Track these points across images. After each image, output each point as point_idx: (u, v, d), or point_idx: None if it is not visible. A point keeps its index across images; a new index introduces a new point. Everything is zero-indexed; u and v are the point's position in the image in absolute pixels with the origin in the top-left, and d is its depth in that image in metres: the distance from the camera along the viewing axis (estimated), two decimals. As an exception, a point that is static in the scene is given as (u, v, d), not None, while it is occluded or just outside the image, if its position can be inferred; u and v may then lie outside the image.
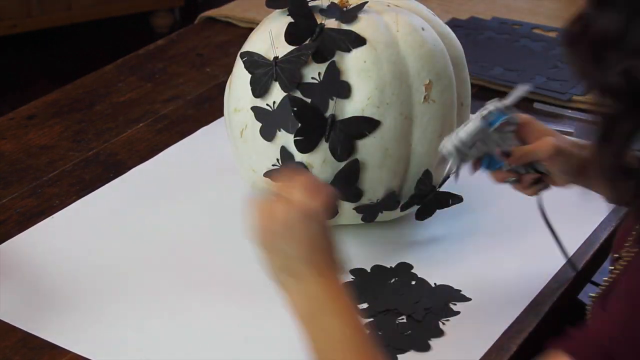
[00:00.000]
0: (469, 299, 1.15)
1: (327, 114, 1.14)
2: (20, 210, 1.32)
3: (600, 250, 1.24)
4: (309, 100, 1.14)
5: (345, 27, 1.16)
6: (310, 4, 1.19)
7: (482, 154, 1.13)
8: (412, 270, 1.19)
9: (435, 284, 1.17)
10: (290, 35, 1.16)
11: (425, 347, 1.08)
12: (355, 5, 1.19)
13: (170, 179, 1.40)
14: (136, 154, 1.45)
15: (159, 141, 1.49)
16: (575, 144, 1.13)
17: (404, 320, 1.11)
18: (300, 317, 0.94)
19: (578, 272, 1.19)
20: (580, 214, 1.27)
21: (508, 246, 1.24)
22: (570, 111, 1.57)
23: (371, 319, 1.11)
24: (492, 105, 1.12)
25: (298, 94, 1.14)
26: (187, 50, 1.79)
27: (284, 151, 1.16)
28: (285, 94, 1.15)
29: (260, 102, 1.17)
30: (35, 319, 1.12)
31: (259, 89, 1.16)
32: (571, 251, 1.22)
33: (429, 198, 1.22)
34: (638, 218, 0.93)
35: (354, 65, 1.14)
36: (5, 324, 1.11)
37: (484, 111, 1.11)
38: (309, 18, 1.17)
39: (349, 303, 0.94)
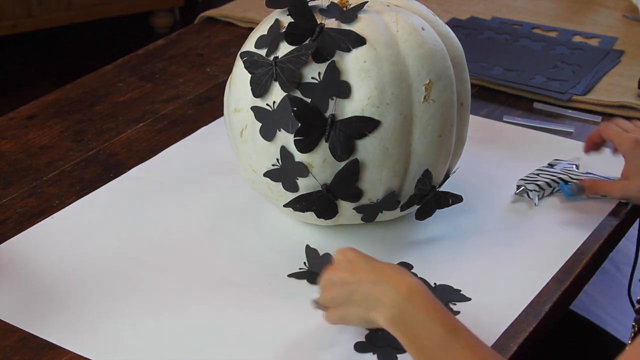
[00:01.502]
0: (469, 299, 1.15)
1: (327, 114, 1.14)
2: (20, 210, 1.32)
3: (600, 250, 1.25)
4: (309, 100, 1.14)
5: (345, 27, 1.17)
6: (310, 4, 1.19)
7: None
8: (412, 270, 1.19)
9: (435, 284, 1.17)
10: (290, 35, 1.16)
11: (425, 347, 1.07)
12: (355, 5, 1.19)
13: (170, 179, 1.40)
14: (136, 154, 1.45)
15: (159, 141, 1.49)
16: None
17: (404, 320, 1.11)
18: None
19: (577, 273, 1.19)
20: (588, 209, 1.28)
21: (508, 246, 1.24)
22: (570, 111, 1.57)
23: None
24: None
25: (298, 94, 1.14)
26: (187, 50, 1.79)
27: (284, 151, 1.16)
28: (285, 93, 1.15)
29: (260, 102, 1.17)
30: (35, 319, 1.12)
31: (259, 88, 1.17)
32: (571, 252, 1.22)
33: (429, 198, 1.22)
34: None
35: (354, 65, 1.14)
36: (5, 324, 1.11)
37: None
38: (309, 18, 1.17)
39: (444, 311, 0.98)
